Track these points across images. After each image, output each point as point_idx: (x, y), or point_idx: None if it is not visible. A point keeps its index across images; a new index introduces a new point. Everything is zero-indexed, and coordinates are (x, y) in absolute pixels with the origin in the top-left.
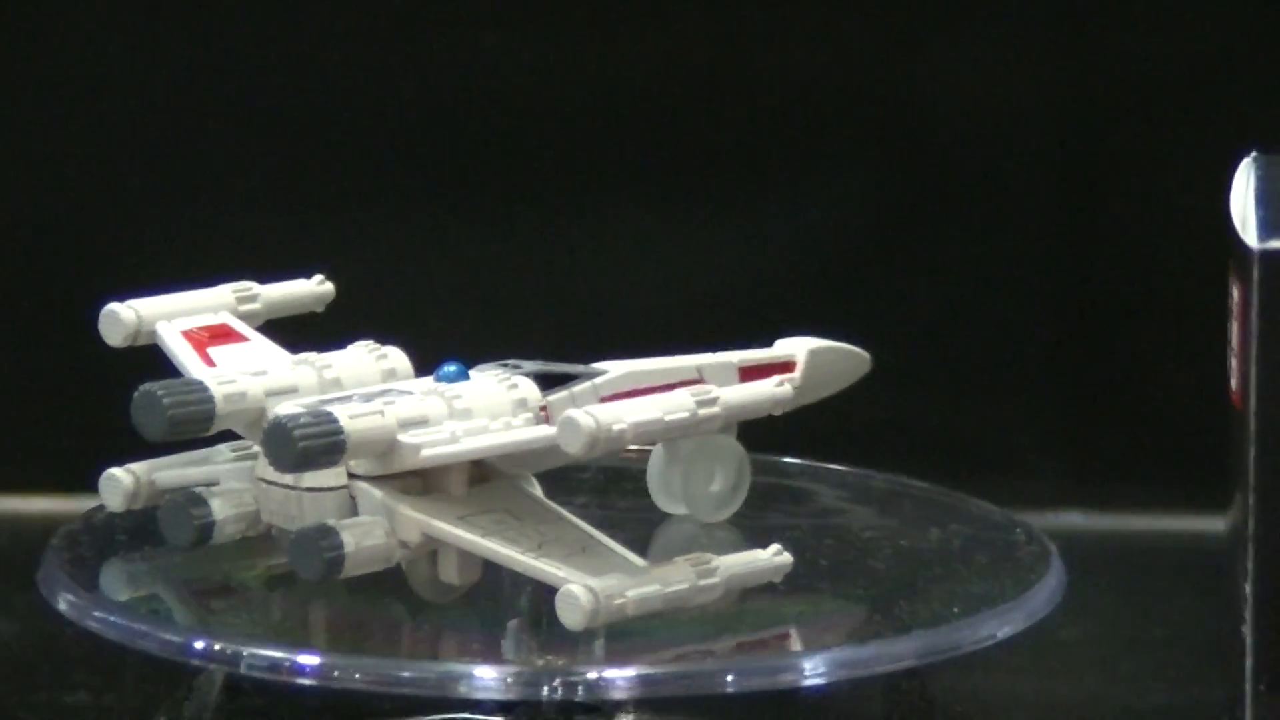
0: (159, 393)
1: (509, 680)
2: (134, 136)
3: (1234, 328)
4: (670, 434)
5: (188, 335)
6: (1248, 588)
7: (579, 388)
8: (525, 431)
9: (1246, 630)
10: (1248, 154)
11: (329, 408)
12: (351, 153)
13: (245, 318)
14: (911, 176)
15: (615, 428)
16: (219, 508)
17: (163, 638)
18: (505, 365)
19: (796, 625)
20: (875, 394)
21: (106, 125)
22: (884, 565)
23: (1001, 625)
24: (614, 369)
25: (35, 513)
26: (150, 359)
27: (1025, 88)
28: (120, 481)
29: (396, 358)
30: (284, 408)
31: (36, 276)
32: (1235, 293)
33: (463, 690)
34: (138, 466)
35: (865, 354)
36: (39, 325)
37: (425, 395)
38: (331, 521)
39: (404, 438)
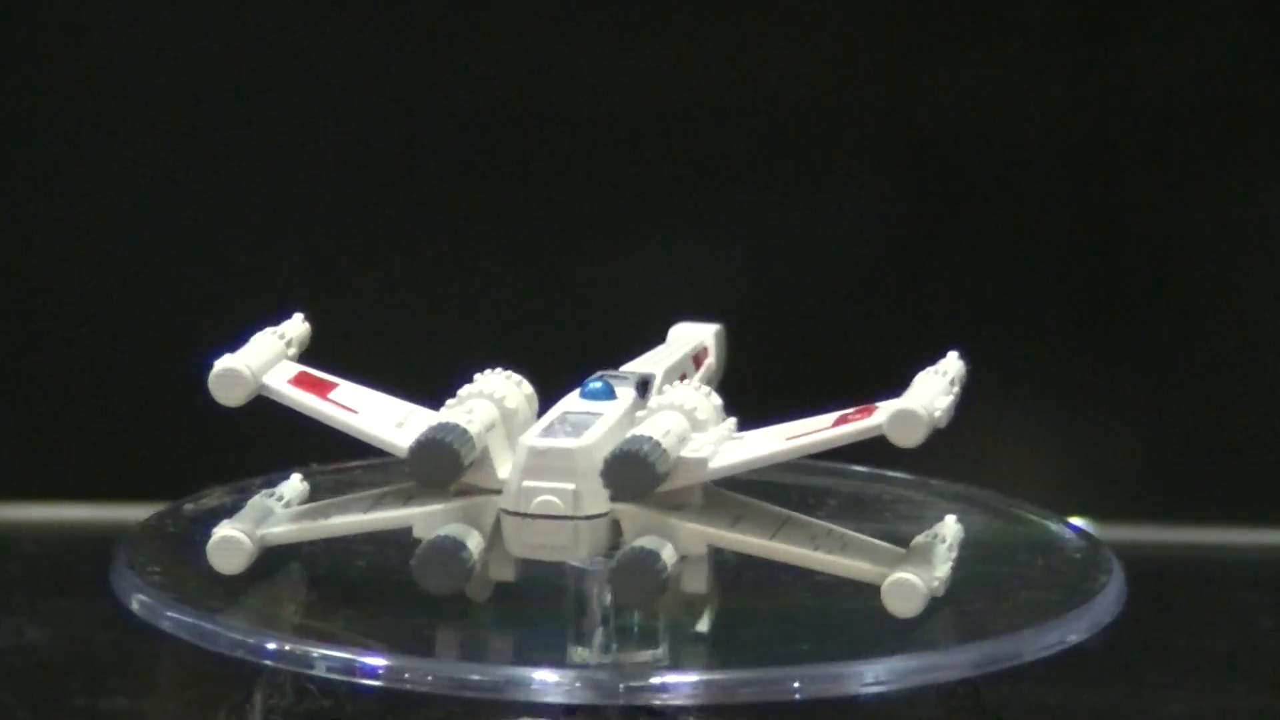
0: (447, 439)
1: (575, 684)
2: (149, 152)
3: None
4: (950, 416)
5: (297, 384)
6: None
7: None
8: (842, 430)
9: None
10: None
11: (639, 431)
12: (351, 173)
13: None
14: (923, 188)
15: (937, 414)
16: (474, 548)
17: (234, 638)
18: (605, 376)
19: (858, 631)
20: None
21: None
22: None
23: (1066, 634)
24: (647, 370)
25: (64, 521)
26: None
27: (1039, 100)
28: (242, 544)
29: (527, 384)
30: (546, 437)
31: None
32: None
33: (529, 694)
34: (244, 526)
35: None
36: (86, 339)
37: (665, 411)
38: (645, 543)
39: (685, 454)
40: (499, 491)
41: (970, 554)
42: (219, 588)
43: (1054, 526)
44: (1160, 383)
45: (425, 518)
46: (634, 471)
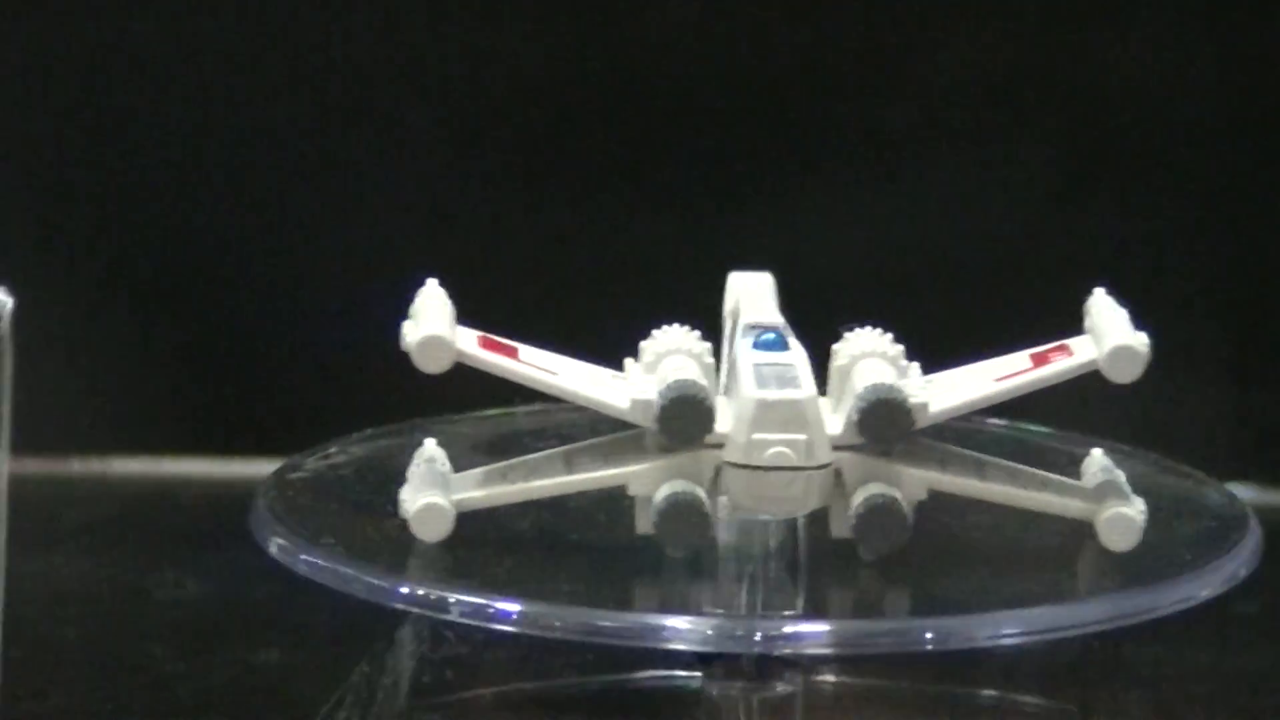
0: (699, 395)
1: (709, 632)
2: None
3: None
4: None
5: (486, 348)
6: None
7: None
8: (1055, 368)
9: None
10: None
11: (875, 379)
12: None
13: None
14: (1080, 158)
15: (1147, 349)
16: (708, 503)
17: (370, 582)
18: (763, 328)
19: (989, 584)
20: None
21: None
22: (1075, 528)
23: (1200, 588)
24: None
25: (217, 477)
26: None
27: (1200, 61)
28: (448, 513)
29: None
30: (768, 389)
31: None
32: None
33: (662, 641)
34: (440, 493)
35: None
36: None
37: (870, 358)
38: (883, 490)
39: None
40: (717, 446)
41: None
42: (377, 539)
43: (1196, 484)
44: None
45: (642, 475)
46: (894, 418)
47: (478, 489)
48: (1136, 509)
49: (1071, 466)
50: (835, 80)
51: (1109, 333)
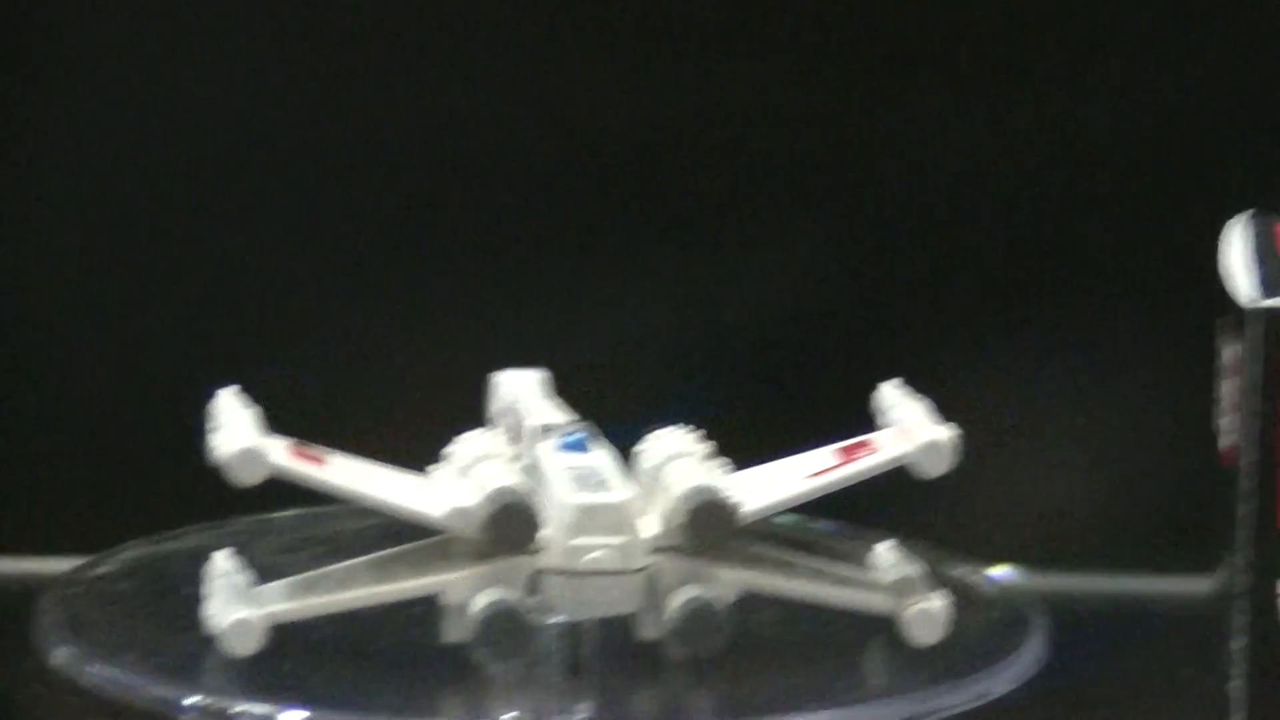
0: (523, 502)
1: None
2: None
3: (1224, 386)
4: None
5: (298, 458)
6: (1237, 645)
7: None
8: (868, 463)
9: (1236, 688)
10: (1229, 215)
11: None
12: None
13: None
14: (873, 241)
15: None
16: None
17: (154, 694)
18: (565, 430)
19: (782, 688)
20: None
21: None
22: (865, 625)
23: (992, 685)
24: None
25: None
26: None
27: (1004, 145)
28: (259, 626)
29: None
30: (585, 493)
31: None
32: (1227, 352)
33: None
34: (250, 606)
35: None
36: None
37: (682, 458)
38: (700, 593)
39: None
40: (532, 551)
41: None
42: (162, 649)
43: (970, 573)
44: (1099, 427)
45: (457, 583)
46: (718, 519)
47: (287, 601)
48: (940, 603)
49: (851, 560)
50: (611, 161)
51: (916, 426)
